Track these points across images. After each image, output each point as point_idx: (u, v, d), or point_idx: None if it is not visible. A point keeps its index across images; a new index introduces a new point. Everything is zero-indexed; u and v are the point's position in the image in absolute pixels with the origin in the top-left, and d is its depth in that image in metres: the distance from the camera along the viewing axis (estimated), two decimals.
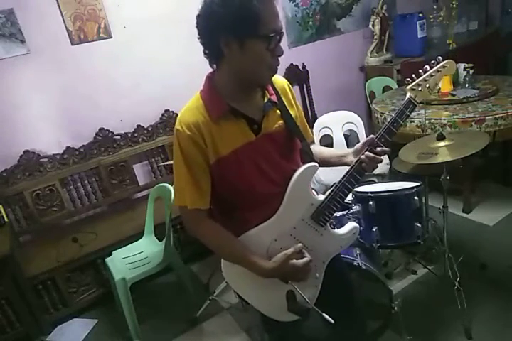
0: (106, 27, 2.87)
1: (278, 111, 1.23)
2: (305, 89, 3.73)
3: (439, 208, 2.14)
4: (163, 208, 2.40)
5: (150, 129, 3.12)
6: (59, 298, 2.54)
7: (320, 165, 1.26)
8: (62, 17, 2.72)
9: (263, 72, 1.13)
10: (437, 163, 1.88)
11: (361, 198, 1.95)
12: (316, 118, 3.19)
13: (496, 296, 2.18)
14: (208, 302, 2.43)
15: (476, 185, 3.10)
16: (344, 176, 1.22)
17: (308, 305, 1.22)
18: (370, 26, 3.97)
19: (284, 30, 1.12)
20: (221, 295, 2.50)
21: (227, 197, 1.22)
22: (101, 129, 2.97)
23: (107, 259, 2.46)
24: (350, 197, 2.00)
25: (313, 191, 1.34)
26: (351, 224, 1.32)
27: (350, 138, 3.28)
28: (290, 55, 3.55)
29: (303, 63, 3.65)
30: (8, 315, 2.36)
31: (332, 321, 1.17)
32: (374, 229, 1.92)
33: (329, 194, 1.23)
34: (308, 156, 1.28)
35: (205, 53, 1.14)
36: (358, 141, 2.99)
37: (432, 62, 1.27)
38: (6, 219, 2.56)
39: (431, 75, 1.26)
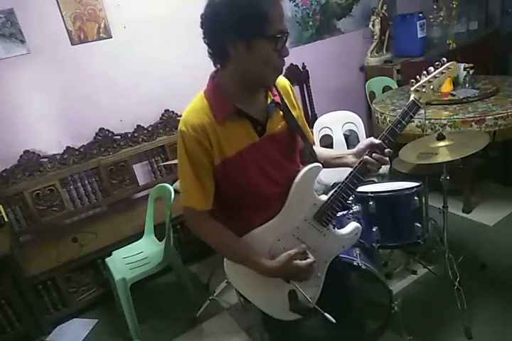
0: (106, 27, 2.87)
1: (280, 112, 1.23)
2: (305, 89, 3.73)
3: (439, 208, 2.14)
4: (163, 208, 2.39)
5: (150, 129, 3.12)
6: (59, 298, 2.54)
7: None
8: (62, 17, 2.72)
9: (269, 72, 1.12)
10: (437, 163, 1.88)
11: (361, 198, 1.95)
12: (316, 118, 3.19)
13: (496, 296, 2.18)
14: (208, 302, 2.43)
15: (476, 185, 3.10)
16: (347, 177, 1.22)
17: (310, 304, 1.23)
18: (370, 26, 3.97)
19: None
20: (221, 295, 2.50)
21: (230, 197, 1.22)
22: (101, 129, 2.97)
23: (107, 259, 2.46)
24: (350, 197, 1.99)
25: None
26: (353, 225, 1.33)
27: (350, 138, 3.28)
28: (290, 55, 3.48)
29: (303, 63, 3.65)
30: (8, 315, 2.36)
31: (333, 320, 1.18)
32: (374, 229, 1.93)
33: (332, 194, 1.23)
34: (311, 157, 1.28)
35: (209, 53, 1.13)
36: (358, 141, 3.00)
37: (437, 63, 1.27)
38: (6, 219, 2.56)
39: (435, 77, 1.25)
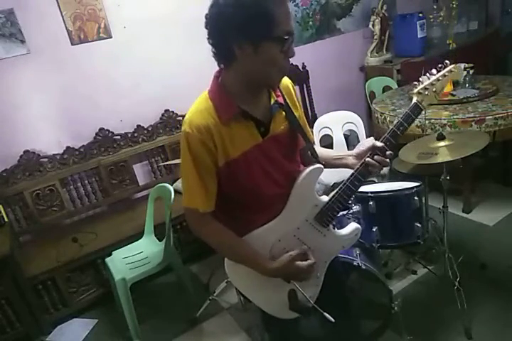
0: (106, 27, 2.87)
1: (283, 113, 1.23)
2: (305, 89, 3.73)
3: (439, 208, 2.14)
4: (163, 208, 2.39)
5: (150, 129, 3.12)
6: (59, 298, 2.54)
7: None
8: (62, 17, 2.72)
9: (275, 74, 1.12)
10: (437, 163, 1.88)
11: (361, 198, 1.95)
12: (316, 118, 3.19)
13: (496, 296, 2.18)
14: (208, 302, 2.43)
15: (476, 185, 3.10)
16: (349, 178, 1.23)
17: (309, 303, 1.24)
18: (370, 26, 3.97)
19: None
20: (221, 295, 2.50)
21: (232, 198, 1.22)
22: (101, 129, 2.97)
23: (107, 259, 2.46)
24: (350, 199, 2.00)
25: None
26: (353, 225, 1.33)
27: (350, 138, 3.28)
28: None
29: (303, 63, 3.65)
30: (8, 315, 2.36)
31: (332, 320, 1.19)
32: (374, 229, 1.93)
33: (333, 195, 1.24)
34: (313, 157, 1.28)
35: (213, 53, 1.12)
36: (358, 141, 3.00)
37: (440, 66, 1.27)
38: (6, 219, 2.56)
39: (438, 79, 1.26)
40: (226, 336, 2.29)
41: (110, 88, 2.98)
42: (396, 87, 3.72)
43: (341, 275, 1.56)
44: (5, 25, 2.56)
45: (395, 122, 1.25)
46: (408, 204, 1.92)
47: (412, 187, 1.92)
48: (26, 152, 2.74)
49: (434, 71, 1.27)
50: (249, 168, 1.17)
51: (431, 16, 3.39)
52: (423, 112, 2.50)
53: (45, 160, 2.80)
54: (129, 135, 3.05)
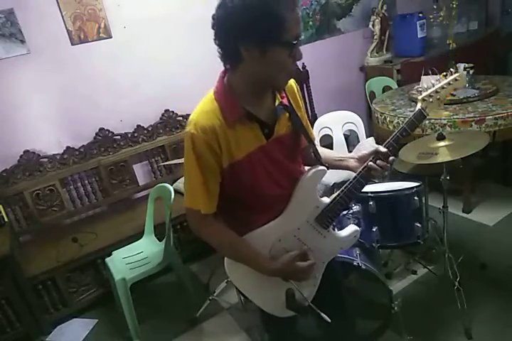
0: (106, 27, 2.87)
1: (287, 114, 1.23)
2: (305, 89, 3.73)
3: (439, 208, 2.14)
4: (163, 208, 2.39)
5: (150, 129, 3.12)
6: (59, 298, 2.54)
7: None
8: (62, 17, 2.72)
9: (282, 77, 1.12)
10: (437, 163, 1.88)
11: (361, 198, 1.95)
12: (316, 118, 3.19)
13: (496, 296, 2.18)
14: (208, 302, 2.43)
15: (476, 185, 3.10)
16: (351, 181, 1.24)
17: (306, 302, 1.25)
18: (370, 26, 3.97)
19: None
20: (221, 295, 2.50)
21: (234, 198, 1.22)
22: (101, 129, 2.97)
23: (107, 259, 2.46)
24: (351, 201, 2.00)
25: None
26: (352, 227, 1.34)
27: (350, 138, 3.28)
28: None
29: (303, 63, 3.65)
30: (8, 315, 2.36)
31: (328, 320, 1.19)
32: (374, 229, 1.93)
33: (335, 198, 1.25)
34: (316, 158, 1.29)
35: (220, 54, 1.12)
36: (358, 141, 3.01)
37: (444, 74, 1.28)
38: (6, 219, 2.56)
39: (442, 87, 1.27)
40: (226, 336, 2.29)
41: (110, 88, 2.98)
42: (396, 87, 3.72)
43: (339, 276, 1.57)
44: (5, 25, 2.56)
45: (398, 128, 1.27)
46: (408, 204, 1.92)
47: (412, 187, 1.92)
48: (26, 152, 2.74)
49: (439, 78, 1.27)
50: (252, 169, 1.18)
51: (431, 16, 3.39)
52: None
53: (45, 160, 2.80)
54: (129, 135, 3.05)
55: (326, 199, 1.26)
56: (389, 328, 1.92)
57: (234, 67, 1.12)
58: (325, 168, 1.25)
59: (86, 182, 2.96)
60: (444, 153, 1.89)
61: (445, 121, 2.63)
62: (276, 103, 1.21)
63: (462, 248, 2.51)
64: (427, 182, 2.17)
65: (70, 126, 2.90)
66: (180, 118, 3.21)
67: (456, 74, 1.29)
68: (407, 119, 1.25)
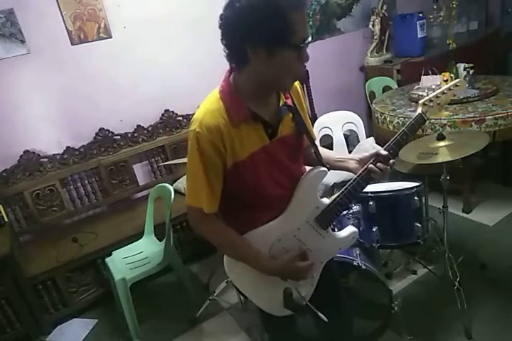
0: (106, 27, 2.87)
1: (290, 114, 1.23)
2: (305, 89, 3.72)
3: (439, 208, 2.14)
4: (163, 208, 2.39)
5: (150, 129, 3.12)
6: (59, 298, 2.54)
7: None
8: (62, 17, 2.72)
9: (288, 79, 1.12)
10: (437, 163, 1.88)
11: (361, 198, 1.95)
12: (316, 118, 3.19)
13: (495, 296, 2.18)
14: (208, 302, 2.43)
15: (476, 185, 3.10)
16: (351, 183, 1.24)
17: (304, 302, 1.26)
18: (370, 26, 3.97)
19: None
20: (221, 295, 2.50)
21: (236, 197, 1.23)
22: (101, 129, 2.97)
23: (107, 259, 2.46)
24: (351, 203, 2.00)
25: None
26: (351, 229, 1.35)
27: (350, 138, 3.28)
28: None
29: None
30: (8, 315, 2.36)
31: (325, 319, 1.20)
32: (374, 229, 1.93)
33: (335, 199, 1.25)
34: (317, 159, 1.29)
35: (226, 53, 1.11)
36: (358, 141, 3.00)
37: (445, 79, 1.30)
38: (6, 219, 2.56)
39: (443, 93, 1.28)
40: (226, 336, 2.29)
41: (110, 88, 2.98)
42: (396, 87, 3.72)
43: (337, 275, 1.58)
44: (5, 25, 2.56)
45: (398, 129, 1.28)
46: (408, 204, 1.92)
47: (412, 187, 1.92)
48: (26, 152, 2.74)
49: (440, 84, 1.29)
50: (256, 169, 1.18)
51: (431, 16, 3.39)
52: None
53: (45, 160, 2.80)
54: (129, 135, 3.05)
55: (326, 200, 1.27)
56: (389, 328, 1.93)
57: (240, 67, 1.11)
58: (326, 169, 1.25)
59: (86, 182, 2.96)
60: (444, 153, 1.89)
61: (445, 121, 2.63)
62: (281, 103, 1.21)
63: (462, 248, 2.51)
64: (427, 182, 2.17)
65: (70, 126, 2.90)
66: (180, 118, 3.22)
67: (457, 80, 1.32)
68: (407, 123, 1.26)
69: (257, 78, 1.10)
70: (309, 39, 1.06)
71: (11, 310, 2.35)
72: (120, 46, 2.95)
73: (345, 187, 1.24)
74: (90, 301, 2.66)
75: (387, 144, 1.24)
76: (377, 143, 2.82)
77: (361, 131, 2.99)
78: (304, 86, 3.72)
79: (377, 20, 3.92)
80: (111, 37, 2.90)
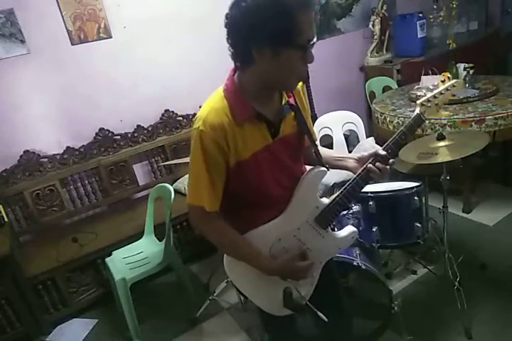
0: (106, 27, 2.87)
1: (292, 113, 1.23)
2: (305, 89, 3.72)
3: (439, 208, 2.14)
4: (163, 208, 2.39)
5: (150, 129, 3.12)
6: (59, 298, 2.54)
7: None
8: (62, 17, 2.72)
9: (292, 79, 1.12)
10: (437, 163, 1.88)
11: (361, 198, 1.95)
12: (316, 118, 3.19)
13: (496, 296, 2.18)
14: (208, 302, 2.43)
15: (476, 185, 3.10)
16: (350, 183, 1.24)
17: (303, 301, 1.26)
18: (370, 26, 3.97)
19: None
20: (221, 295, 2.50)
21: (238, 196, 1.23)
22: (101, 129, 2.97)
23: (107, 259, 2.46)
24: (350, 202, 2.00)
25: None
26: (350, 228, 1.35)
27: (350, 138, 3.28)
28: None
29: None
30: (8, 315, 2.36)
31: (325, 319, 1.20)
32: (374, 229, 1.93)
33: (334, 198, 1.26)
34: (317, 159, 1.30)
35: (231, 52, 1.11)
36: (358, 141, 3.00)
37: (443, 80, 1.30)
38: (6, 219, 2.56)
39: (441, 93, 1.28)
40: (226, 336, 2.29)
41: (110, 88, 2.98)
42: (396, 87, 3.72)
43: (337, 275, 1.58)
44: (5, 25, 2.56)
45: (398, 128, 1.28)
46: (408, 204, 1.92)
47: (412, 187, 1.92)
48: (26, 152, 2.74)
49: (438, 84, 1.29)
50: (258, 168, 1.18)
51: (431, 16, 3.39)
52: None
53: (45, 160, 2.80)
54: (129, 135, 3.05)
55: (326, 200, 1.28)
56: (389, 328, 1.93)
57: (244, 66, 1.11)
58: (325, 169, 1.26)
59: (86, 182, 2.96)
60: (444, 153, 1.89)
61: (445, 121, 2.63)
62: (283, 102, 1.21)
63: (462, 248, 2.51)
64: (427, 182, 2.17)
65: (70, 126, 2.90)
66: (180, 118, 3.22)
67: (454, 81, 1.32)
68: (406, 123, 1.26)
69: (262, 78, 1.10)
70: (315, 40, 1.06)
71: (11, 310, 2.35)
72: (120, 46, 2.95)
73: (344, 187, 1.25)
74: (90, 301, 2.66)
75: (386, 144, 1.24)
76: (377, 143, 2.82)
77: (361, 131, 2.99)
78: (304, 86, 3.72)
79: (377, 20, 3.93)
80: (111, 37, 2.90)
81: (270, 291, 1.28)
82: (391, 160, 1.23)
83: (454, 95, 2.89)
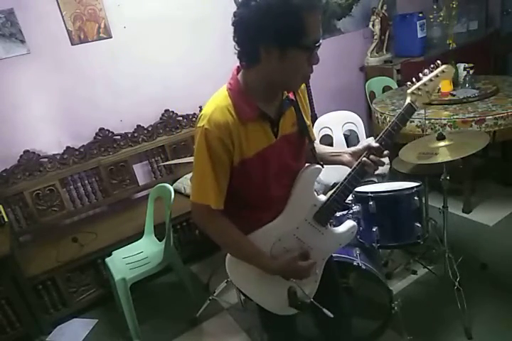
0: (106, 27, 2.87)
1: (293, 110, 1.23)
2: (305, 89, 3.72)
3: (439, 208, 2.14)
4: (163, 208, 2.39)
5: (150, 129, 3.12)
6: (59, 298, 2.54)
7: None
8: (62, 17, 2.72)
9: (297, 79, 1.12)
10: (437, 163, 1.88)
11: (361, 198, 1.95)
12: (316, 118, 3.19)
13: (495, 296, 2.18)
14: (208, 302, 2.43)
15: (476, 185, 3.10)
16: (346, 178, 1.24)
17: (308, 299, 1.27)
18: (370, 26, 3.97)
19: None
20: (221, 295, 2.50)
21: (240, 196, 1.23)
22: (101, 129, 2.97)
23: (107, 259, 2.46)
24: (350, 197, 2.00)
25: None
26: (350, 223, 1.35)
27: (350, 138, 3.28)
28: None
29: None
30: (8, 315, 2.36)
31: (331, 315, 1.21)
32: (374, 229, 1.93)
33: (331, 195, 1.25)
34: (312, 156, 1.30)
35: (237, 51, 1.10)
36: (358, 141, 3.01)
37: (432, 66, 1.29)
38: (6, 219, 2.56)
39: (430, 80, 1.27)
40: (226, 336, 2.29)
41: (110, 88, 2.98)
42: (396, 87, 3.72)
43: (337, 275, 1.58)
44: (5, 25, 2.56)
45: (389, 122, 1.26)
46: (408, 204, 1.92)
47: (412, 187, 1.92)
48: (26, 152, 2.74)
49: (426, 71, 1.28)
50: (262, 167, 1.18)
51: (431, 16, 3.40)
52: (423, 111, 2.51)
53: (45, 160, 2.80)
54: (129, 135, 3.05)
55: (323, 197, 1.28)
56: (389, 328, 1.93)
57: (250, 65, 1.11)
58: (320, 166, 1.26)
59: (86, 182, 2.96)
60: (444, 153, 1.89)
61: (445, 121, 2.64)
62: (283, 97, 1.21)
63: (462, 248, 2.51)
64: (427, 182, 2.17)
65: (70, 126, 2.90)
66: (180, 118, 3.21)
67: (444, 66, 1.29)
68: (397, 113, 1.25)
69: (267, 77, 1.10)
70: (321, 41, 1.06)
71: (11, 310, 2.35)
72: (120, 46, 2.94)
73: (340, 183, 1.24)
74: (90, 301, 2.66)
75: (379, 136, 1.24)
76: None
77: (361, 131, 2.99)
78: (304, 86, 3.72)
79: (377, 20, 3.93)
80: (111, 37, 2.90)
81: (274, 291, 1.28)
82: (386, 152, 1.23)
83: (454, 95, 2.90)
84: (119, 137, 3.02)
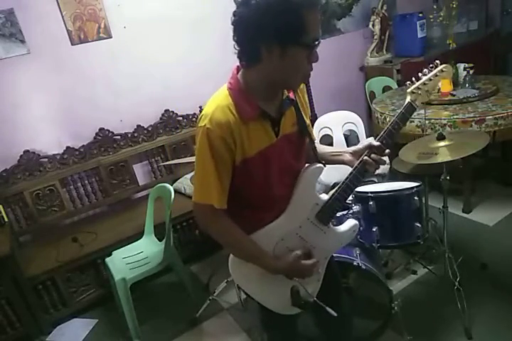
0: (106, 27, 2.87)
1: (293, 109, 1.23)
2: (305, 89, 3.72)
3: (439, 208, 2.14)
4: (163, 208, 2.39)
5: (150, 129, 3.12)
6: (59, 298, 2.54)
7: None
8: (62, 17, 2.72)
9: (297, 78, 1.13)
10: (437, 163, 1.88)
11: (361, 198, 1.95)
12: (316, 118, 3.19)
13: (496, 296, 2.18)
14: (208, 302, 2.43)
15: (476, 185, 3.10)
16: (347, 177, 1.25)
17: (311, 298, 1.27)
18: (370, 26, 3.97)
19: None
20: (221, 295, 2.50)
21: (241, 197, 1.23)
22: (101, 129, 2.97)
23: (107, 259, 2.46)
24: (350, 197, 2.00)
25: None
26: (351, 222, 1.36)
27: (350, 138, 3.28)
28: None
29: None
30: (8, 315, 2.36)
31: (335, 314, 1.21)
32: (374, 229, 1.93)
33: (333, 194, 1.26)
34: (313, 155, 1.30)
35: (237, 50, 1.11)
36: (358, 141, 3.01)
37: (431, 66, 1.29)
38: (6, 219, 2.56)
39: (430, 79, 1.28)
40: (226, 336, 2.29)
41: (110, 88, 2.98)
42: (396, 87, 3.72)
43: (339, 275, 1.58)
44: (5, 25, 2.56)
45: (390, 121, 1.27)
46: (408, 204, 1.92)
47: (412, 187, 1.92)
48: (26, 152, 2.74)
49: (425, 71, 1.28)
50: (264, 166, 1.18)
51: (431, 16, 3.40)
52: (423, 112, 2.51)
53: (45, 160, 2.80)
54: (129, 135, 3.05)
55: (325, 196, 1.28)
56: (389, 328, 1.93)
57: (250, 64, 1.11)
58: (321, 165, 1.26)
59: (86, 182, 2.96)
60: (444, 153, 1.89)
61: (445, 121, 2.63)
62: (284, 97, 1.21)
63: (462, 248, 2.51)
64: (427, 182, 2.17)
65: (70, 126, 2.90)
66: (180, 118, 3.21)
67: (442, 66, 1.30)
68: (398, 112, 1.26)
69: (267, 76, 1.10)
70: (320, 39, 1.06)
71: (11, 310, 2.35)
72: (120, 46, 2.95)
73: (342, 182, 1.25)
74: (90, 301, 2.66)
75: (380, 135, 1.24)
76: None
77: (361, 131, 2.99)
78: (304, 86, 3.72)
79: (377, 20, 3.93)
80: (111, 37, 2.91)
81: (277, 290, 1.28)
82: (387, 151, 1.23)
83: (454, 95, 2.90)
84: (119, 137, 3.02)
